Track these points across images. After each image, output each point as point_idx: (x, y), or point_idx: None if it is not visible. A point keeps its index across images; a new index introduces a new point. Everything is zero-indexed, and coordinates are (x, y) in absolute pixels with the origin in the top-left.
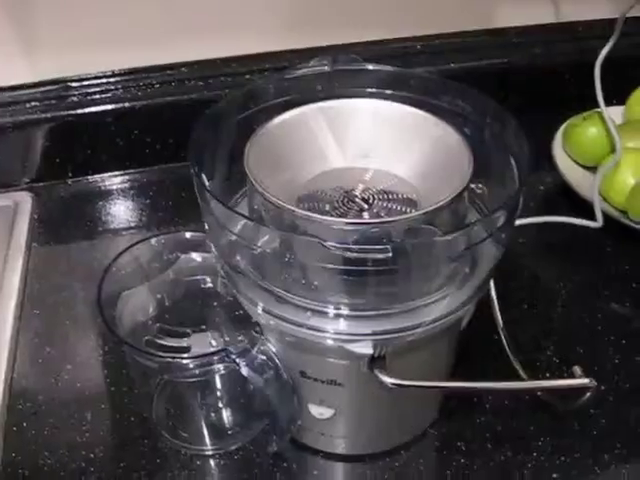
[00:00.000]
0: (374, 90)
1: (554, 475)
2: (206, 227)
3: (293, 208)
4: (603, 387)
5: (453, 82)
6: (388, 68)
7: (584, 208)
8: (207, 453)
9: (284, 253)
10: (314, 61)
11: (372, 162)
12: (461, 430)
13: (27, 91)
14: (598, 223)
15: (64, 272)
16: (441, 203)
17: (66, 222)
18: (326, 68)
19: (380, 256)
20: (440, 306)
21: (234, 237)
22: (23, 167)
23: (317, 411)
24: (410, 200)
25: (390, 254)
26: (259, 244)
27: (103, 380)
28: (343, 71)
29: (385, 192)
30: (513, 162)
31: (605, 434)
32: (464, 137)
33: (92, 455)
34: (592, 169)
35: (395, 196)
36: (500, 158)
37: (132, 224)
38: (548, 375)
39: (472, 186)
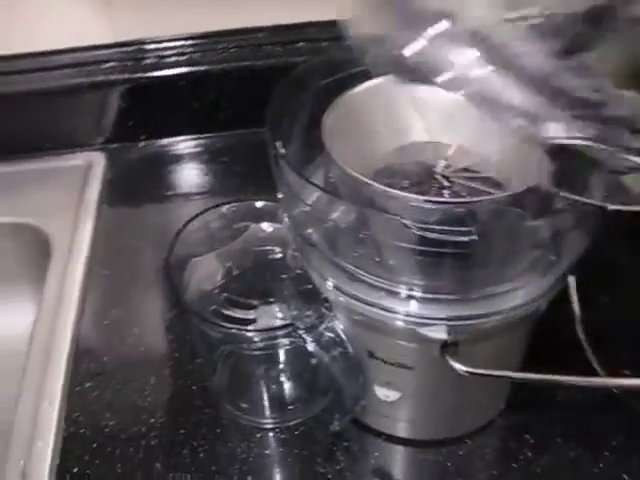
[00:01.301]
0: None
1: (624, 476)
2: (279, 196)
3: (371, 182)
4: None
5: None
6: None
7: None
8: (267, 426)
9: (359, 229)
10: None
11: (455, 138)
12: (529, 422)
13: (104, 52)
14: None
15: (133, 234)
16: (530, 185)
17: (137, 184)
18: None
19: (464, 239)
20: (519, 294)
21: (307, 208)
22: (97, 128)
23: (383, 393)
24: (493, 181)
25: (475, 237)
26: (333, 217)
27: (168, 345)
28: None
29: (468, 171)
30: None
31: None
32: None
33: (153, 420)
34: None
35: (478, 175)
36: None
37: (203, 190)
38: (627, 373)
39: None
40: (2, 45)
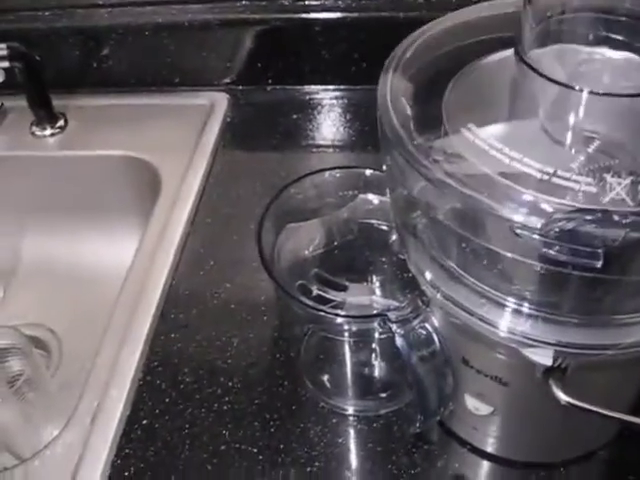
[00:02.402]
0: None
1: None
2: (383, 168)
3: (488, 172)
4: None
5: None
6: None
7: None
8: (346, 412)
9: (466, 224)
10: None
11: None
12: (637, 462)
13: None
14: None
15: (245, 183)
16: None
17: (258, 130)
18: None
19: (585, 261)
20: None
21: (410, 191)
22: (225, 68)
23: (473, 404)
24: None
25: (599, 263)
26: (439, 208)
27: (258, 307)
28: None
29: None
30: None
31: None
32: None
33: (230, 384)
34: None
35: (628, 174)
36: None
37: (325, 143)
38: None
39: None
40: None
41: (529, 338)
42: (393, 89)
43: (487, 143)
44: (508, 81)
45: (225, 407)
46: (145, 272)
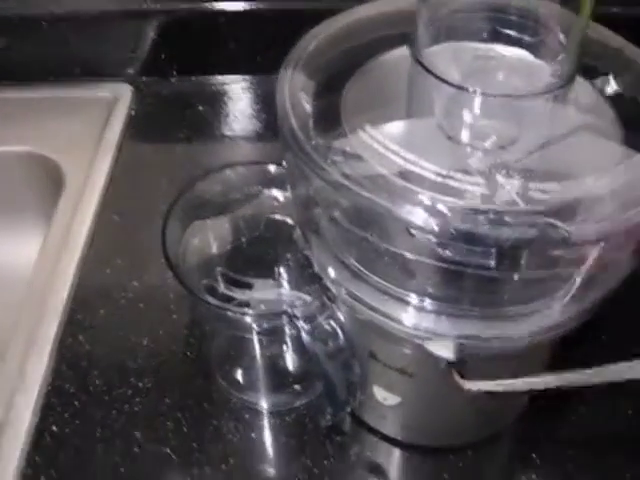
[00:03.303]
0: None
1: None
2: (284, 164)
3: (386, 173)
4: None
5: None
6: None
7: None
8: (259, 407)
9: (364, 224)
10: None
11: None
12: (540, 440)
13: None
14: None
15: (152, 177)
16: (577, 193)
17: (163, 122)
18: None
19: (479, 261)
20: (543, 318)
21: (311, 190)
22: (127, 59)
23: (382, 395)
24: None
25: (493, 262)
26: (339, 208)
27: (167, 306)
28: None
29: (506, 167)
30: None
31: None
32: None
33: (140, 384)
34: None
35: (519, 175)
36: None
37: (231, 134)
38: None
39: None
40: None
41: (431, 332)
42: (293, 86)
43: (383, 145)
44: (405, 78)
45: (136, 408)
46: (50, 273)
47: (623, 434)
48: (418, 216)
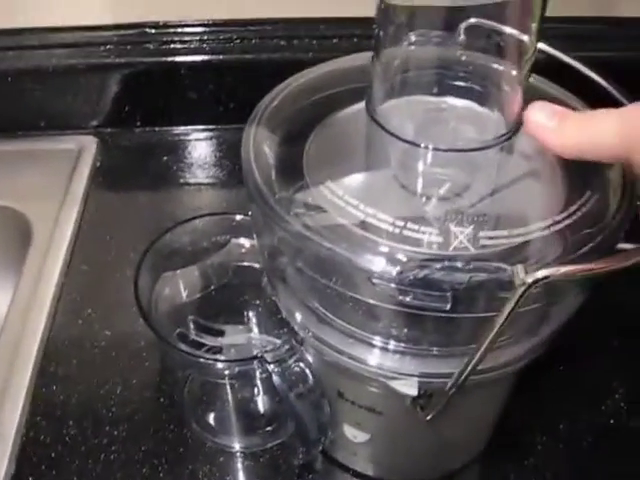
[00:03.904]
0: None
1: None
2: (249, 214)
3: (347, 223)
4: None
5: None
6: None
7: None
8: (232, 450)
9: (327, 273)
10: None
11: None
12: (508, 470)
13: (103, 33)
14: None
15: (119, 227)
16: (524, 238)
17: (129, 173)
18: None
19: (436, 305)
20: (500, 354)
21: (275, 241)
22: (92, 111)
23: (352, 433)
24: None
25: (448, 306)
26: (303, 258)
27: (139, 353)
28: None
29: (459, 214)
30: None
31: None
32: None
33: (116, 433)
34: None
35: (470, 223)
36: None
37: (196, 183)
38: None
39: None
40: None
41: (395, 371)
42: (257, 141)
43: (343, 200)
44: (364, 132)
45: (112, 457)
46: (21, 325)
47: (585, 465)
48: (378, 265)
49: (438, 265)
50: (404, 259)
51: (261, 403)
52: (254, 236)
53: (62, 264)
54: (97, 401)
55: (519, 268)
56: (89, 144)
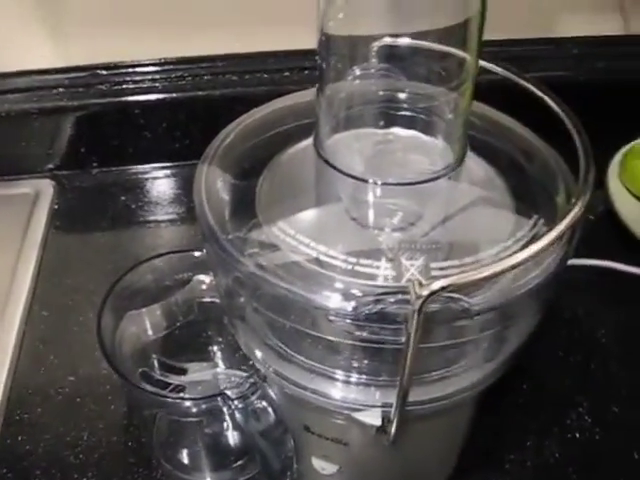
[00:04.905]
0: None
1: None
2: (204, 252)
3: (301, 261)
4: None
5: None
6: None
7: (637, 245)
8: None
9: (284, 311)
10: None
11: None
12: None
13: (54, 76)
14: None
15: (79, 270)
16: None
17: (87, 215)
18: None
19: (392, 338)
20: (459, 380)
21: (230, 280)
22: (47, 155)
23: (320, 465)
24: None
25: (404, 339)
26: (257, 297)
27: (105, 397)
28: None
29: (411, 246)
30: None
31: None
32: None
33: (84, 479)
34: None
35: (421, 255)
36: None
37: (155, 221)
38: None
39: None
40: None
41: (359, 403)
42: (209, 180)
43: (295, 239)
44: (313, 168)
45: None
46: None
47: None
48: (333, 301)
49: (392, 299)
50: (359, 294)
51: (230, 438)
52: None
53: (22, 312)
54: (64, 449)
55: (415, 283)
56: (46, 187)
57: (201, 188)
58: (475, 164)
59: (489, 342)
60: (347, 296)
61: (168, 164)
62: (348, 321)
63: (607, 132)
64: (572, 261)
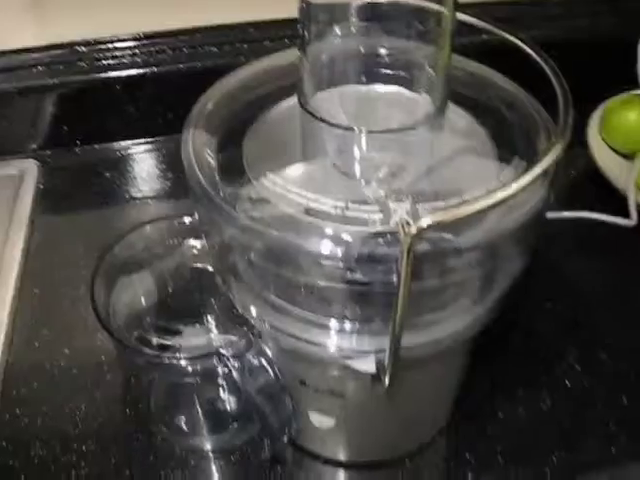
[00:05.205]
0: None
1: None
2: (196, 217)
3: (292, 212)
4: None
5: None
6: None
7: (617, 201)
8: (203, 450)
9: (278, 261)
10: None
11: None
12: (471, 441)
13: (34, 55)
14: (632, 221)
15: (67, 248)
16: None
17: (72, 193)
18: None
19: (384, 278)
20: (449, 324)
21: (224, 237)
22: (29, 134)
23: (317, 419)
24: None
25: (395, 277)
26: (252, 249)
27: (100, 368)
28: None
29: (398, 193)
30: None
31: None
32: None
33: (84, 448)
34: (630, 158)
35: (409, 198)
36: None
37: (141, 196)
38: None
39: None
40: None
41: (353, 351)
42: (196, 144)
43: (285, 189)
44: (297, 126)
45: (83, 472)
46: None
47: (542, 426)
48: (324, 246)
49: (381, 240)
50: (349, 238)
51: (227, 400)
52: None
53: (13, 290)
54: (62, 420)
55: (403, 222)
56: (30, 167)
57: (189, 151)
58: (457, 115)
59: (477, 284)
60: (337, 240)
61: (152, 139)
62: (340, 264)
63: (588, 90)
64: (557, 214)
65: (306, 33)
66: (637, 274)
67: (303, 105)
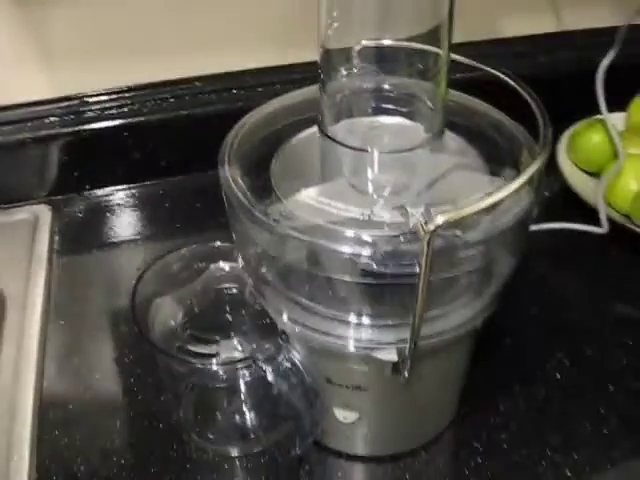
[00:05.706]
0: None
1: (566, 471)
2: (234, 237)
3: (321, 222)
4: (612, 388)
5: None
6: None
7: (588, 214)
8: (233, 455)
9: (309, 265)
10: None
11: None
12: (477, 431)
13: (46, 107)
14: (603, 229)
15: (86, 283)
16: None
17: (85, 234)
18: None
19: (407, 270)
20: (458, 315)
21: (260, 249)
22: (42, 181)
23: (342, 415)
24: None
25: (417, 269)
26: (284, 256)
27: (130, 388)
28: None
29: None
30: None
31: None
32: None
33: (123, 461)
34: (596, 175)
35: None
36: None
37: (149, 235)
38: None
39: None
40: None
41: (374, 342)
42: (229, 172)
43: (316, 200)
44: (317, 152)
45: None
46: (12, 388)
47: (539, 414)
48: (356, 248)
49: (403, 239)
50: (375, 240)
51: (254, 408)
52: (236, 253)
53: (40, 322)
54: (99, 437)
55: (422, 221)
56: (43, 212)
57: (227, 177)
58: (452, 140)
59: (478, 279)
60: (364, 243)
61: (157, 181)
62: (368, 262)
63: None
64: (536, 226)
65: (324, 74)
66: (611, 276)
67: (323, 132)
